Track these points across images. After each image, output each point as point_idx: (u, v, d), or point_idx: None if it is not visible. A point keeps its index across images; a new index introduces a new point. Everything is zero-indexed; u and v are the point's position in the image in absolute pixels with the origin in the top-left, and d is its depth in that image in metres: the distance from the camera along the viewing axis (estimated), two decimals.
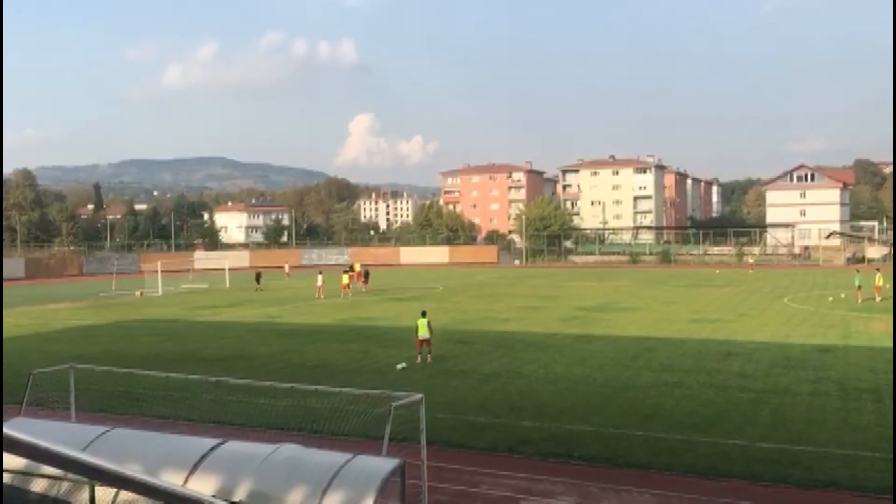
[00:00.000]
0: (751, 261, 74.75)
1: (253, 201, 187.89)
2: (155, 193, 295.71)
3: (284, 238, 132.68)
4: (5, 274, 63.93)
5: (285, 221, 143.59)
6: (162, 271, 56.03)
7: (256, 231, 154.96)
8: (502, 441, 15.96)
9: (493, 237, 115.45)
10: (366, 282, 53.82)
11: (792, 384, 20.68)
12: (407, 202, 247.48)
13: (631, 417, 17.58)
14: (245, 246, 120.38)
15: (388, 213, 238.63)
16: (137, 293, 53.36)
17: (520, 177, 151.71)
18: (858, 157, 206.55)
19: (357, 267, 55.74)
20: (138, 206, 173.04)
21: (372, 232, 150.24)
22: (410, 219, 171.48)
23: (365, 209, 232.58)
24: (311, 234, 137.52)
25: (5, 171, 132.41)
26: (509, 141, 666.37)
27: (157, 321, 37.80)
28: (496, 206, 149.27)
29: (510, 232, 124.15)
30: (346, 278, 49.85)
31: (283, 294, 52.71)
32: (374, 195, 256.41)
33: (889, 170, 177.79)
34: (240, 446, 9.93)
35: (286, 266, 73.42)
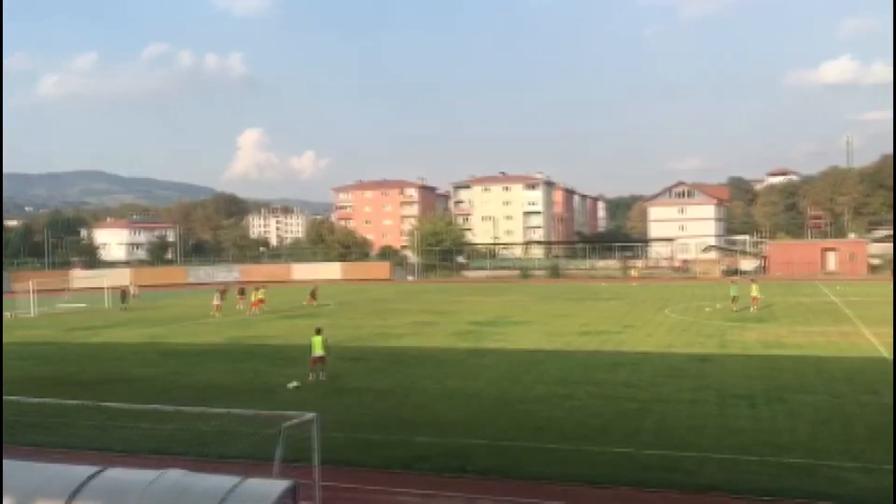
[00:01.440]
0: (634, 273, 77.51)
1: (135, 217, 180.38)
2: (28, 209, 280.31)
3: (169, 255, 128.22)
4: None
5: (170, 238, 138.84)
6: (35, 291, 52.99)
7: (139, 248, 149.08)
8: (397, 458, 15.87)
9: (387, 253, 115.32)
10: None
11: (674, 393, 21.49)
12: (298, 218, 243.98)
13: (523, 429, 17.84)
14: (126, 264, 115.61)
15: (278, 229, 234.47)
16: (7, 314, 50.30)
17: (412, 192, 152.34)
18: (731, 174, 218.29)
19: (259, 293, 51.81)
20: (10, 223, 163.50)
21: (262, 248, 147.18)
22: (302, 235, 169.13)
23: (255, 225, 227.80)
24: (197, 252, 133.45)
25: None
26: (402, 157, 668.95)
27: (30, 343, 35.73)
28: (389, 221, 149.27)
29: (403, 247, 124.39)
30: (255, 295, 49.81)
31: (168, 313, 50.90)
32: (264, 211, 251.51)
33: (760, 187, 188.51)
34: (121, 473, 9.46)
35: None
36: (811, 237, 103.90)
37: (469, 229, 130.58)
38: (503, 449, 16.31)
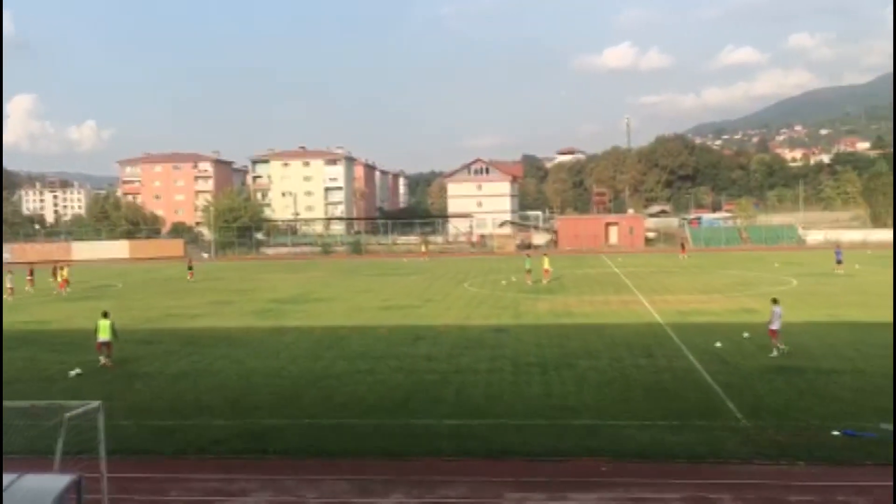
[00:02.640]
0: (424, 249, 78.89)
1: None
2: None
3: None
4: None
5: None
6: None
7: None
8: (193, 443, 15.22)
9: (179, 230, 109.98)
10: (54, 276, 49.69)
11: (472, 363, 22.23)
12: (79, 193, 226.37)
13: (326, 407, 17.72)
14: None
15: (56, 205, 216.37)
16: None
17: (207, 167, 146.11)
18: (525, 152, 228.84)
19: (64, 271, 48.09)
20: None
21: (37, 226, 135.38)
22: (83, 211, 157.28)
23: (28, 200, 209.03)
24: None
25: None
26: (195, 130, 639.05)
27: None
28: (182, 197, 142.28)
29: (198, 224, 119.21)
30: (60, 275, 47.36)
31: None
32: (38, 185, 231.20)
33: (550, 165, 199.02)
34: None
35: None
36: (596, 212, 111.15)
37: (268, 205, 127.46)
38: (305, 427, 16.11)
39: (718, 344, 23.01)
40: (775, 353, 22.00)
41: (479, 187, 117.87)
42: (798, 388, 18.32)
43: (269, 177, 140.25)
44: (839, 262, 47.12)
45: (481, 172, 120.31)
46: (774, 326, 22.44)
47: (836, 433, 14.67)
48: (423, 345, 25.46)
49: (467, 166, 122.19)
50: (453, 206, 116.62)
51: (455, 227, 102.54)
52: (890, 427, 14.79)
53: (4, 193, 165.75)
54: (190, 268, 56.83)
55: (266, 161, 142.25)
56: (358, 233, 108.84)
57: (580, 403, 17.51)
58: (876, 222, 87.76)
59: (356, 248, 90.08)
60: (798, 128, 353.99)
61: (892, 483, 12.32)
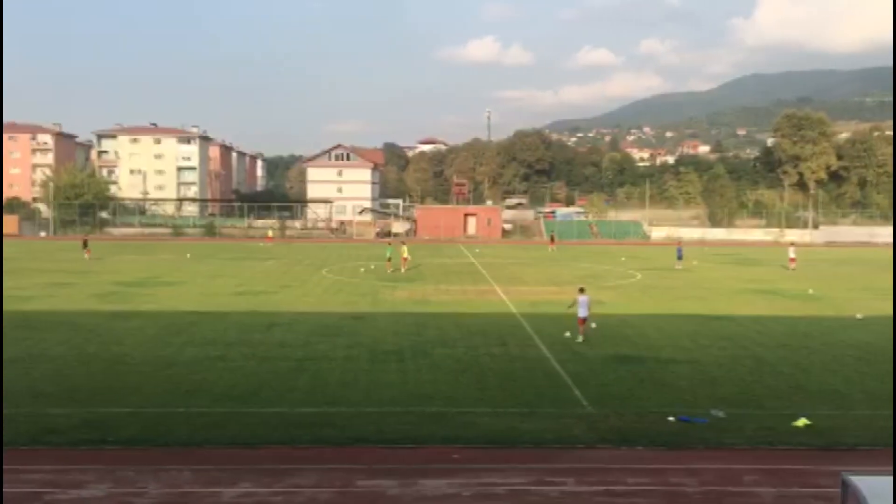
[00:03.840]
0: (270, 234, 77.29)
1: None
2: None
3: None
4: None
5: None
6: None
7: None
8: (24, 433, 14.20)
9: (14, 206, 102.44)
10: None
11: (329, 350, 22.00)
12: None
13: (173, 395, 17.03)
14: None
15: None
16: None
17: (47, 139, 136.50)
18: (387, 140, 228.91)
19: None
20: None
21: None
22: None
23: None
24: None
25: None
26: (34, 99, 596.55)
27: None
28: (17, 170, 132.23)
29: (35, 200, 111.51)
30: None
31: None
32: None
33: (412, 154, 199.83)
34: None
35: None
36: (455, 203, 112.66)
37: (114, 183, 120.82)
38: (149, 416, 15.41)
39: (567, 334, 23.88)
40: (567, 334, 23.43)
41: (340, 173, 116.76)
42: (639, 376, 19.28)
43: (116, 153, 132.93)
44: (680, 258, 49.99)
45: (342, 158, 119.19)
46: (582, 314, 23.54)
47: (672, 419, 15.54)
48: (277, 331, 24.95)
49: (328, 151, 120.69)
50: (313, 192, 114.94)
51: (314, 212, 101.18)
52: (720, 413, 15.84)
53: None
54: (85, 244, 53.56)
55: (113, 136, 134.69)
56: (212, 215, 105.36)
57: (435, 391, 17.69)
58: (713, 221, 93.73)
59: (210, 231, 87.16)
60: (647, 129, 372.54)
61: (720, 465, 13.20)
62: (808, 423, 15.25)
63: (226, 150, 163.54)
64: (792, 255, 49.30)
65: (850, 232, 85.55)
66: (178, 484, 12.13)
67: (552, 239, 70.47)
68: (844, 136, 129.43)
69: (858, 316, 29.36)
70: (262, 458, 13.23)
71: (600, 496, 11.88)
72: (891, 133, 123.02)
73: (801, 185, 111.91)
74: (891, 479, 7.87)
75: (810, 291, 37.10)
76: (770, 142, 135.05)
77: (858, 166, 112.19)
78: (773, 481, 12.49)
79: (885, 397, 17.55)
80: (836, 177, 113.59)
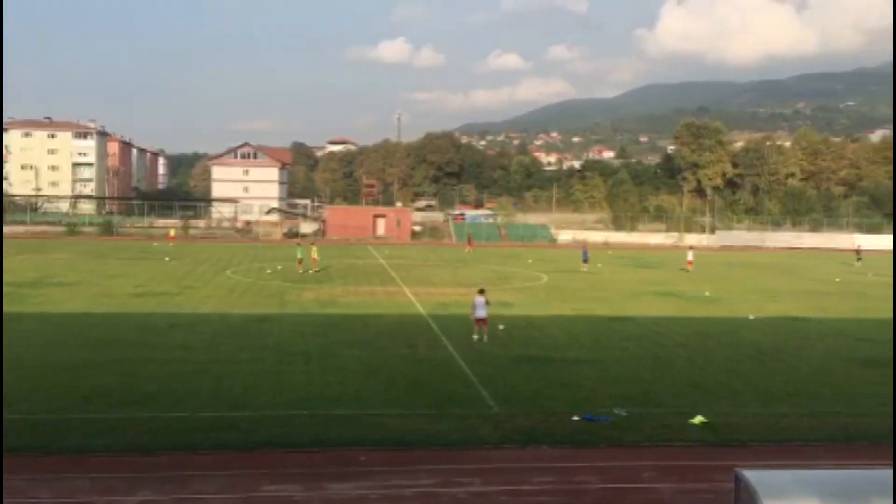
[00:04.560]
0: (172, 234, 75.19)
1: None
2: None
3: None
4: None
5: None
6: None
7: None
8: None
9: None
10: None
11: (233, 353, 21.52)
12: None
13: (67, 400, 16.31)
14: None
15: None
16: None
17: None
18: (295, 139, 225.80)
19: None
20: None
21: None
22: None
23: None
24: None
25: None
26: None
27: None
28: None
29: None
30: None
31: None
32: None
33: (321, 154, 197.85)
34: None
35: None
36: (365, 204, 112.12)
37: (5, 178, 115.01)
38: (42, 422, 14.73)
39: (475, 336, 24.07)
40: (476, 338, 23.68)
41: (247, 172, 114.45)
42: (545, 376, 19.62)
43: (6, 147, 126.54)
44: (585, 260, 51.13)
45: (249, 157, 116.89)
46: (480, 314, 23.88)
47: (576, 418, 15.87)
48: (178, 333, 24.24)
49: (234, 150, 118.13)
50: (218, 191, 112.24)
51: (219, 211, 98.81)
52: (623, 412, 16.28)
53: None
54: None
55: (4, 130, 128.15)
56: (111, 213, 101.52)
57: (342, 393, 17.54)
58: (617, 225, 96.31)
59: (108, 230, 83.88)
60: (554, 134, 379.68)
61: (622, 463, 13.56)
62: (705, 420, 15.84)
63: (125, 146, 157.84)
64: (690, 258, 51.18)
65: (743, 236, 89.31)
66: (73, 493, 11.64)
67: (469, 241, 70.99)
68: (739, 144, 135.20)
69: (751, 317, 30.70)
70: (163, 465, 12.83)
71: (506, 496, 12.02)
72: (781, 143, 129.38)
73: (700, 191, 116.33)
74: (780, 472, 8.25)
75: (707, 293, 38.56)
76: (671, 149, 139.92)
77: (752, 174, 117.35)
78: (671, 477, 12.92)
79: (776, 395, 18.42)
80: (731, 184, 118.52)
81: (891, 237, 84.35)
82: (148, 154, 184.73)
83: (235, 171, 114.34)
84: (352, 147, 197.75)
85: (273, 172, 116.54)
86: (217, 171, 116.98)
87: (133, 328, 25.00)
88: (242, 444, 13.97)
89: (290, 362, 20.54)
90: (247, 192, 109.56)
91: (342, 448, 13.86)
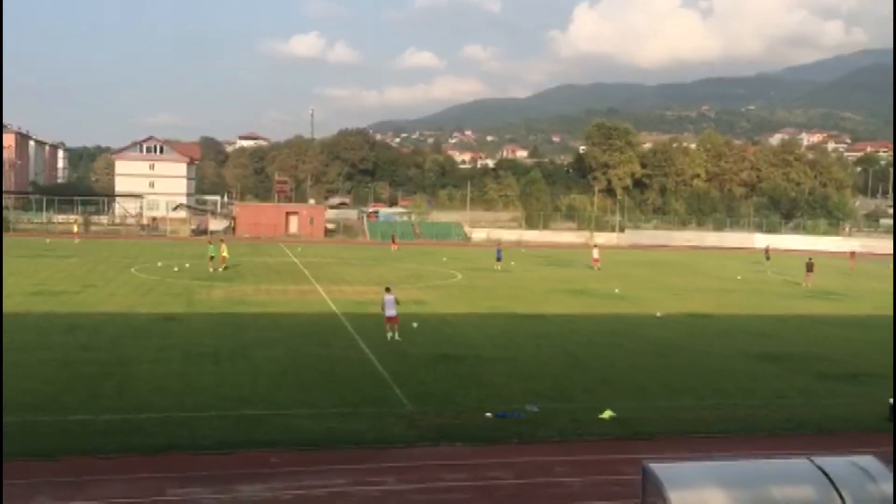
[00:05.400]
0: (76, 230, 72.55)
1: None
2: None
3: None
4: None
5: None
6: None
7: None
8: None
9: None
10: None
11: (138, 353, 20.81)
12: None
13: None
14: None
15: None
16: None
17: None
18: (204, 134, 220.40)
19: None
20: None
21: None
22: None
23: None
24: None
25: None
26: None
27: None
28: None
29: None
30: None
31: None
32: None
33: (231, 149, 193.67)
34: None
35: None
36: (277, 201, 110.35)
37: None
38: None
39: (390, 334, 23.97)
40: (389, 336, 23.64)
41: (152, 167, 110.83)
42: (459, 374, 19.70)
43: None
44: (499, 258, 51.64)
45: (154, 151, 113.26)
46: (390, 313, 23.92)
47: (489, 415, 15.99)
48: (80, 334, 23.29)
49: (139, 143, 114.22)
50: (122, 186, 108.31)
51: (123, 207, 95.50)
52: (535, 408, 16.49)
53: None
54: None
55: None
56: (6, 208, 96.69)
57: (253, 394, 17.18)
58: (530, 224, 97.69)
59: (2, 226, 79.98)
60: (468, 132, 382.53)
61: (533, 458, 13.73)
62: (614, 414, 16.20)
63: (22, 138, 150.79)
64: (596, 256, 52.39)
65: (651, 235, 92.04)
66: None
67: (394, 239, 71.01)
68: (648, 146, 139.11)
69: (658, 314, 31.61)
70: (62, 470, 12.28)
71: (419, 494, 12.00)
72: (687, 145, 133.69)
73: (610, 190, 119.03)
74: (685, 464, 8.50)
75: (616, 291, 39.51)
76: (582, 149, 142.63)
77: (659, 175, 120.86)
78: (581, 471, 13.16)
79: (681, 389, 19.01)
80: (639, 184, 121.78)
81: (789, 237, 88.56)
82: (46, 147, 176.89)
83: (140, 166, 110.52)
84: (263, 143, 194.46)
85: (180, 167, 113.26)
86: (121, 166, 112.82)
87: (30, 329, 23.89)
88: (147, 447, 13.51)
89: (198, 363, 20.00)
90: (152, 187, 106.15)
91: (253, 449, 13.57)
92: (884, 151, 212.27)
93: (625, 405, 17.01)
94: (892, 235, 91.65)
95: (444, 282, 42.28)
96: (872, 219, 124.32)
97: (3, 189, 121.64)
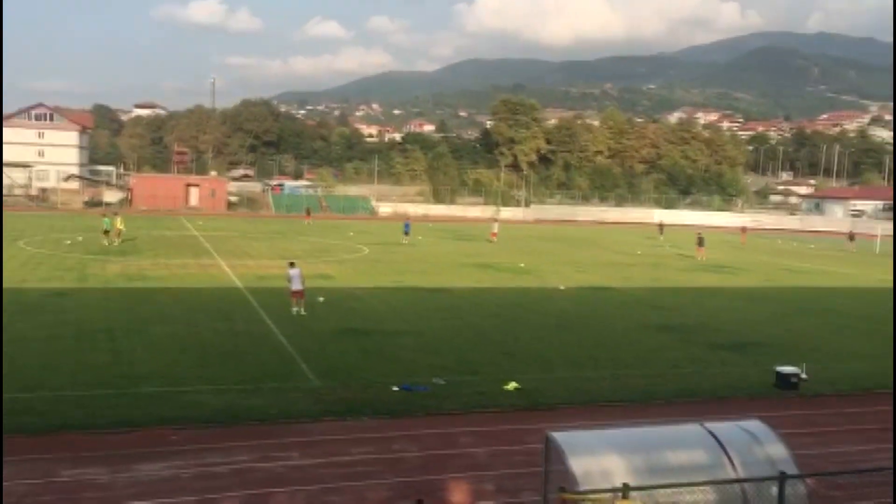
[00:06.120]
0: None
1: None
2: None
3: None
4: None
5: None
6: None
7: None
8: None
9: None
10: None
11: (27, 331, 19.88)
12: None
13: None
14: None
15: None
16: None
17: None
18: (97, 102, 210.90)
19: None
20: None
21: None
22: None
23: None
24: None
25: None
26: None
27: None
28: None
29: None
30: None
31: None
32: None
33: (126, 118, 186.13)
34: None
35: None
36: (176, 172, 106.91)
37: None
38: None
39: (295, 309, 23.67)
40: (295, 311, 23.47)
41: (41, 135, 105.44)
42: (365, 348, 19.65)
43: None
44: (407, 233, 51.64)
45: (44, 119, 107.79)
46: (296, 287, 23.73)
47: (395, 389, 16.03)
48: None
49: (27, 110, 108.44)
50: (8, 155, 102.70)
51: (9, 177, 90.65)
52: (441, 381, 16.63)
53: None
54: None
55: None
56: None
57: (151, 371, 16.68)
58: (437, 198, 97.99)
59: None
60: (375, 106, 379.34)
61: (439, 430, 13.86)
62: (518, 386, 16.51)
63: None
64: (495, 230, 53.19)
65: (556, 210, 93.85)
66: None
67: (308, 212, 70.41)
68: (552, 122, 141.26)
69: (561, 287, 32.31)
70: None
71: (325, 468, 11.94)
72: (590, 122, 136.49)
73: (516, 166, 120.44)
74: (584, 432, 8.75)
75: (521, 265, 40.15)
76: (489, 124, 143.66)
77: (563, 151, 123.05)
78: (486, 441, 13.37)
79: (582, 360, 19.52)
80: (544, 160, 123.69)
81: (685, 212, 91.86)
82: None
83: (28, 134, 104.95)
84: (161, 112, 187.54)
85: (72, 136, 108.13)
86: (7, 134, 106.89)
87: None
88: (38, 427, 12.96)
89: (92, 340, 19.27)
90: (42, 156, 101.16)
91: (151, 427, 13.20)
92: (772, 131, 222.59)
93: (528, 377, 17.34)
94: (781, 212, 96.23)
95: (351, 256, 42.00)
96: (762, 195, 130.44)
97: None
